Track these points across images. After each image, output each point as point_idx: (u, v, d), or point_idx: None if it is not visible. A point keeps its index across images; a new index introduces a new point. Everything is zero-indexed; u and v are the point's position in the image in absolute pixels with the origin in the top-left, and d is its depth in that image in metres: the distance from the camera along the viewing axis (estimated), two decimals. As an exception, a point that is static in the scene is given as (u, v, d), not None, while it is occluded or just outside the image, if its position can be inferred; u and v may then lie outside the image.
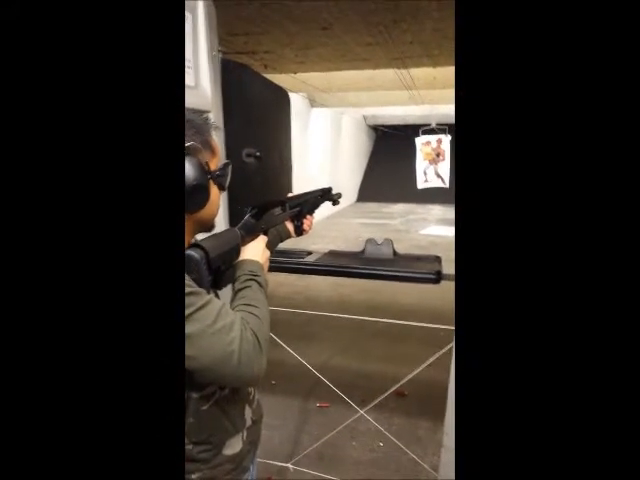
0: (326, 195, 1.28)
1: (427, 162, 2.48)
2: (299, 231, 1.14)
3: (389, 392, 1.73)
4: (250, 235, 0.84)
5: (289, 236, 1.15)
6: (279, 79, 2.60)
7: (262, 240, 0.87)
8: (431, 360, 1.57)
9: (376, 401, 1.74)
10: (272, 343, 1.70)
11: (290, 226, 1.13)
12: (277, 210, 1.00)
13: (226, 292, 0.92)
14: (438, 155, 2.28)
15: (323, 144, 8.57)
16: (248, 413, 0.86)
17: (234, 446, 0.82)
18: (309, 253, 1.65)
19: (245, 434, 0.85)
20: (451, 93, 4.05)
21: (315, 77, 3.34)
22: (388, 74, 3.04)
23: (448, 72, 2.94)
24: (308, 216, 1.16)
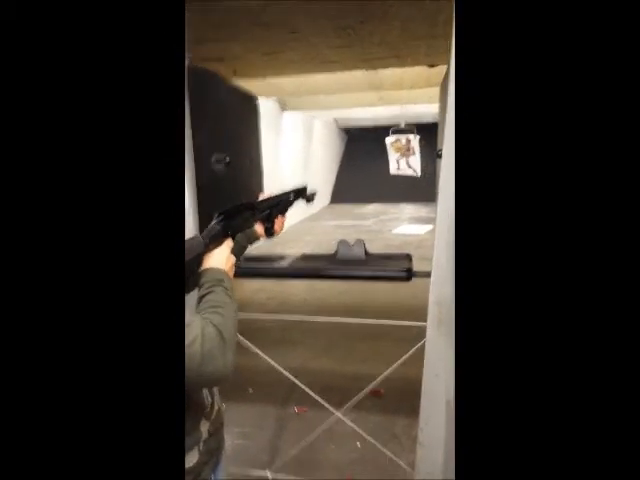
0: (299, 195, 1.26)
1: (399, 154, 2.56)
2: (270, 232, 1.13)
3: (364, 392, 1.74)
4: (215, 242, 0.85)
5: (257, 238, 1.14)
6: (249, 84, 2.58)
7: (227, 246, 0.88)
8: (404, 358, 1.59)
9: (352, 402, 1.75)
10: (249, 350, 1.69)
11: (260, 228, 1.11)
12: (246, 214, 1.00)
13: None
14: (408, 150, 2.35)
15: (295, 147, 8.56)
16: (205, 426, 0.85)
17: (189, 459, 0.80)
18: (282, 258, 1.65)
19: (201, 445, 0.83)
20: (419, 93, 4.09)
21: (285, 81, 3.34)
22: (357, 76, 3.06)
23: (415, 72, 2.98)
24: (279, 216, 1.15)
